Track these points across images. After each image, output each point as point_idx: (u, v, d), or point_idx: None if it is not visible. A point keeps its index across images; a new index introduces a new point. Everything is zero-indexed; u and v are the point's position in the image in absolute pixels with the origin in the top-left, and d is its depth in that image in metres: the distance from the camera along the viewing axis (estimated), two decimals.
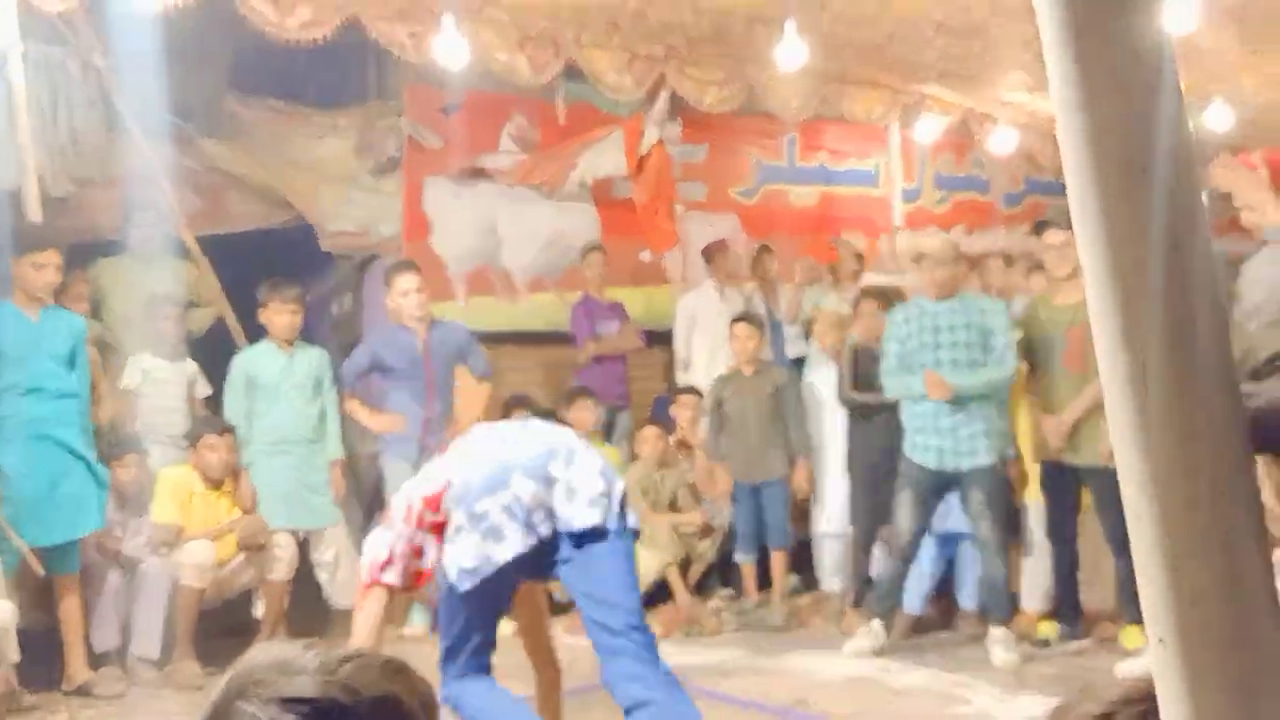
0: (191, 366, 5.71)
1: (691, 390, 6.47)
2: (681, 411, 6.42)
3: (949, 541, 5.46)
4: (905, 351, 5.15)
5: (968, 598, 5.50)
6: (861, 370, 5.72)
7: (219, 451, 5.22)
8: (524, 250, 7.05)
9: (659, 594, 5.98)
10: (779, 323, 6.96)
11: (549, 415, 6.32)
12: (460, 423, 5.29)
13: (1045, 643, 5.18)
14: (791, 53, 5.74)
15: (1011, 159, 8.23)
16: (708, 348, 6.69)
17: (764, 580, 6.11)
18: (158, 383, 5.56)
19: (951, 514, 5.28)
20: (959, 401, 5.00)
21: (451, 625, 3.16)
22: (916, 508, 5.13)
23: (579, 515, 3.05)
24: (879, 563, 5.69)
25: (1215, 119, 6.53)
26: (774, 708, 4.36)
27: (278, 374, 5.53)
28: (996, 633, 5.02)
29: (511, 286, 7.07)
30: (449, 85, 6.28)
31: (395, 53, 5.64)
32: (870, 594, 5.54)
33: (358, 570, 5.35)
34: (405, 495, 3.26)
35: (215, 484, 5.29)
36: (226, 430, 5.30)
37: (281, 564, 5.24)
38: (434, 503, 3.17)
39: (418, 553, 3.20)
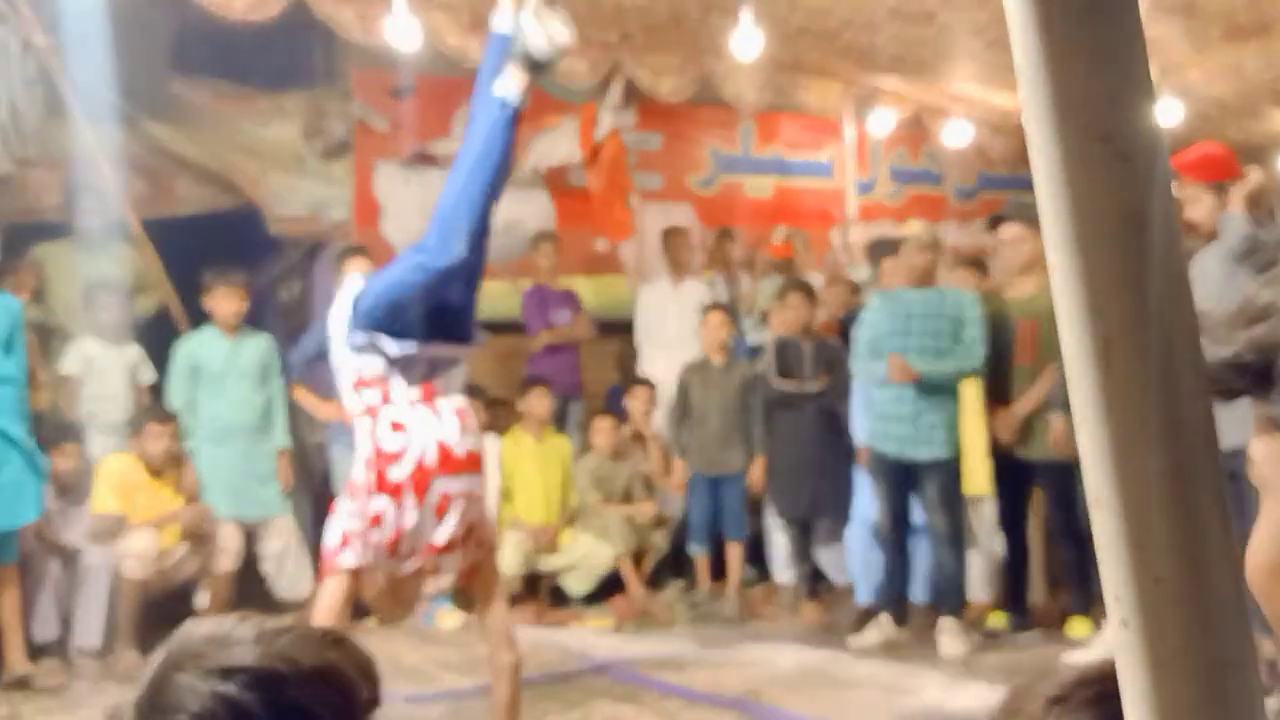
0: (134, 352, 5.60)
1: (645, 381, 6.46)
2: (635, 403, 6.40)
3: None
4: (875, 337, 5.16)
5: (920, 589, 5.54)
6: (786, 360, 5.77)
7: (162, 440, 5.14)
8: None
9: (612, 585, 5.97)
10: (738, 310, 6.97)
11: (501, 404, 6.30)
12: None
13: (994, 633, 5.23)
14: (747, 41, 5.73)
15: (964, 153, 8.30)
16: (663, 340, 6.69)
17: (716, 572, 6.11)
18: (99, 370, 5.46)
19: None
20: (922, 390, 5.02)
21: None
22: (888, 496, 5.15)
23: None
24: (855, 555, 5.71)
25: (1163, 113, 6.61)
26: (726, 699, 4.35)
27: (222, 361, 5.44)
28: (946, 623, 5.05)
29: None
30: (399, 68, 6.20)
31: (343, 35, 5.57)
32: (820, 585, 5.54)
33: (307, 562, 5.35)
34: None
35: (157, 473, 5.19)
36: (169, 418, 5.21)
37: (226, 555, 5.17)
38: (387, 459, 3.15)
39: (375, 521, 3.14)
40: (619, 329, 6.99)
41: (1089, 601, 5.04)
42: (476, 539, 3.31)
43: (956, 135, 7.60)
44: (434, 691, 4.44)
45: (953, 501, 5.11)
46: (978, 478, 5.34)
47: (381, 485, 3.15)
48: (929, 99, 7.57)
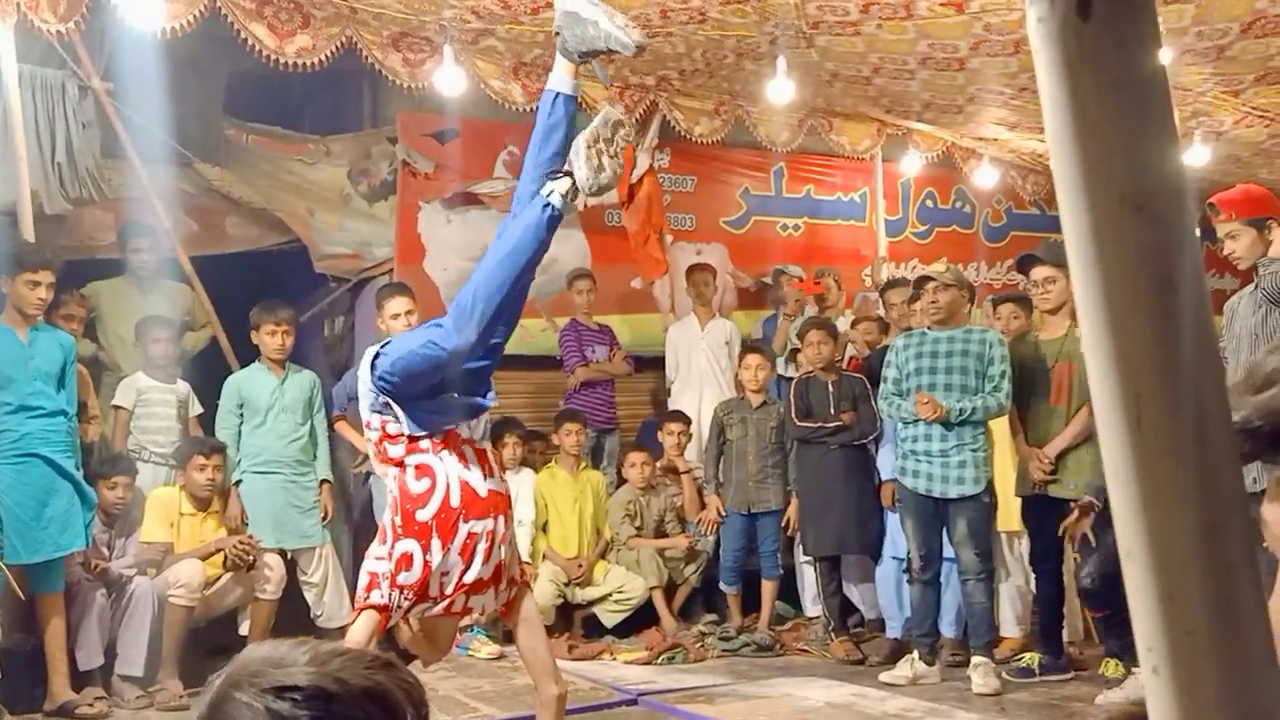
0: (184, 388, 5.71)
1: (679, 415, 6.54)
2: (669, 437, 6.48)
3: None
4: (902, 377, 5.23)
5: (948, 625, 5.55)
6: (807, 399, 5.85)
7: (207, 471, 5.26)
8: None
9: (644, 617, 6.02)
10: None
11: (537, 438, 6.39)
12: None
13: (1029, 671, 5.21)
14: (781, 89, 5.84)
15: (994, 193, 8.37)
16: (692, 376, 6.79)
17: (748, 605, 6.15)
18: (149, 403, 5.58)
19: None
20: (949, 427, 5.07)
21: None
22: (917, 532, 5.18)
23: None
24: (886, 590, 5.74)
25: (1193, 155, 6.66)
26: None
27: (269, 396, 5.57)
28: (978, 660, 5.07)
29: None
30: (443, 111, 6.36)
31: (390, 79, 5.72)
32: (851, 620, 5.55)
33: (345, 590, 5.45)
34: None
35: (203, 504, 5.32)
36: (216, 450, 5.33)
37: (270, 583, 5.27)
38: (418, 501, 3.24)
39: (403, 563, 3.23)
40: (653, 364, 7.09)
41: (1123, 647, 4.97)
42: (509, 577, 3.38)
43: (986, 175, 7.66)
44: None
45: (981, 538, 5.13)
46: (1011, 514, 5.37)
47: (409, 528, 3.23)
48: (959, 141, 7.66)
